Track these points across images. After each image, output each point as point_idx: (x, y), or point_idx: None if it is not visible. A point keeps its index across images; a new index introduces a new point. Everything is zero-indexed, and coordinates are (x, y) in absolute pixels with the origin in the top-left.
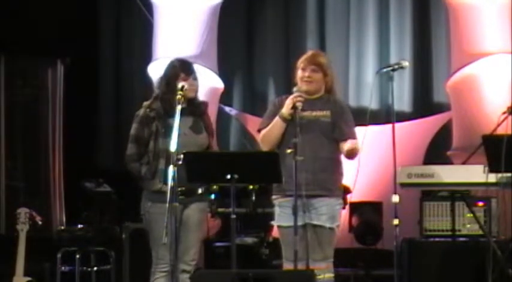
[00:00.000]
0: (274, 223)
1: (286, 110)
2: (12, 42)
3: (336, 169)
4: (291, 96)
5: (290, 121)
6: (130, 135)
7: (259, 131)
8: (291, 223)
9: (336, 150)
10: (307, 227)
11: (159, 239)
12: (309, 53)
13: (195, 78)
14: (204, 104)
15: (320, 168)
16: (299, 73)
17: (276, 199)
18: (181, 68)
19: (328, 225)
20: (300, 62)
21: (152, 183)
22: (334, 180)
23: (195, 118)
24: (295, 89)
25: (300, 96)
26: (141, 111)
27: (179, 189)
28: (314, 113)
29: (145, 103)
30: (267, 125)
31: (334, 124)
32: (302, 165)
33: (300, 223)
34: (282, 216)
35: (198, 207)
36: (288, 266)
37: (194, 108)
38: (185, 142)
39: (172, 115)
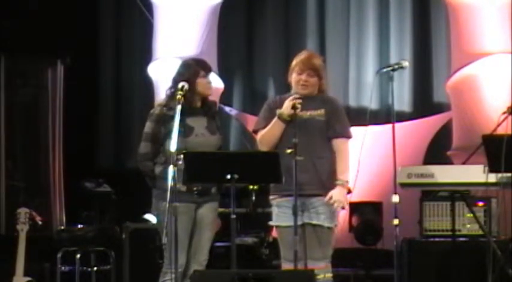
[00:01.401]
0: (272, 223)
1: (286, 111)
2: (12, 42)
3: (333, 168)
4: (290, 98)
5: (289, 122)
6: (144, 134)
7: (254, 131)
8: (290, 223)
9: (332, 148)
10: (305, 226)
11: (175, 239)
12: (304, 55)
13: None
14: (215, 104)
15: (318, 167)
16: (295, 76)
17: (274, 199)
18: (200, 66)
19: (326, 224)
20: (295, 65)
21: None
22: (332, 180)
23: (209, 118)
24: (292, 92)
25: (299, 97)
26: (157, 110)
27: (194, 188)
28: (309, 113)
29: (161, 102)
30: (263, 125)
31: (328, 122)
32: (300, 165)
33: (298, 223)
34: (280, 216)
35: (212, 206)
36: (286, 266)
37: (208, 109)
38: (201, 142)
39: (191, 114)
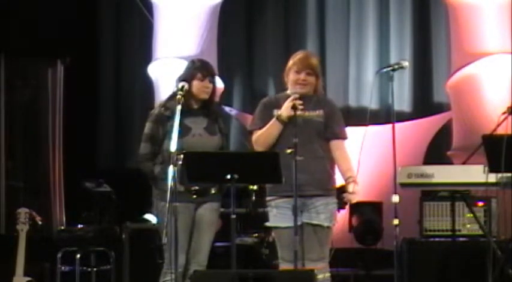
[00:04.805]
0: (270, 224)
1: (285, 112)
2: (12, 42)
3: (330, 168)
4: (290, 99)
5: (287, 123)
6: (144, 134)
7: (250, 132)
8: (289, 223)
9: (329, 149)
10: (304, 226)
11: (175, 239)
12: (301, 54)
13: (212, 82)
14: (218, 105)
15: (317, 168)
16: (292, 76)
17: (272, 200)
18: (199, 69)
19: (326, 224)
20: (293, 64)
21: (166, 183)
22: (330, 180)
23: (210, 119)
24: (289, 91)
25: (298, 98)
26: (156, 110)
27: (193, 188)
28: (307, 113)
29: (161, 102)
30: (260, 126)
31: (326, 124)
32: (299, 166)
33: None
34: (278, 217)
35: (211, 207)
36: (284, 266)
37: (208, 111)
38: (200, 143)
39: (190, 115)
